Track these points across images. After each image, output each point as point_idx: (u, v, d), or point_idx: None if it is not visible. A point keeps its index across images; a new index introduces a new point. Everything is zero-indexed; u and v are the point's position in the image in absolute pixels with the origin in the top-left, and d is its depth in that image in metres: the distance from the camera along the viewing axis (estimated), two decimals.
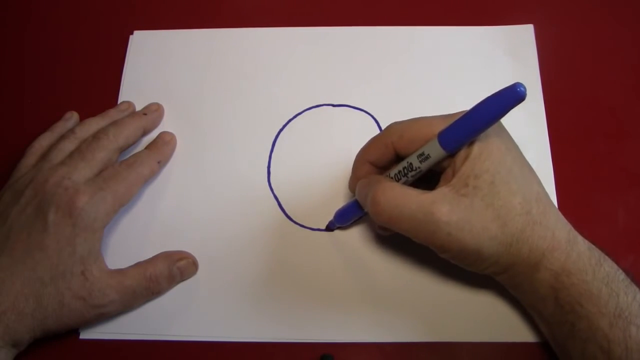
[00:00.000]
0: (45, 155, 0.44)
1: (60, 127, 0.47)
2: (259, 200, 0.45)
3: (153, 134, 0.48)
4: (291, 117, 0.48)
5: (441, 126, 0.36)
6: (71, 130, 0.45)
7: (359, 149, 0.40)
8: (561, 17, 0.52)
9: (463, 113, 0.35)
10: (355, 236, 0.44)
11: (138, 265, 0.42)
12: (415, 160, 0.37)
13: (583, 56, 0.50)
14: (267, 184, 0.46)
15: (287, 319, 0.41)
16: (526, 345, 0.40)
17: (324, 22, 0.52)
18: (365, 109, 0.48)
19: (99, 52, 0.52)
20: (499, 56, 0.50)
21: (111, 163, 0.44)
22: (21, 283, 0.38)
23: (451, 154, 0.35)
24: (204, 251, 0.43)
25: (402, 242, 0.43)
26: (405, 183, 0.38)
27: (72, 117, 0.48)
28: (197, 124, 0.48)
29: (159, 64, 0.51)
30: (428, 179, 0.38)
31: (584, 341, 0.34)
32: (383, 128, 0.40)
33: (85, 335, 0.41)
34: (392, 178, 0.38)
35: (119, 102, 0.49)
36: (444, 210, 0.34)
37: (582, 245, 0.36)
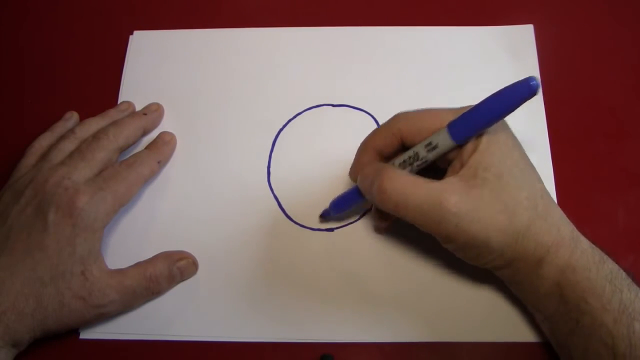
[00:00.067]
0: (45, 155, 0.44)
1: (60, 127, 0.47)
2: (259, 200, 0.45)
3: (153, 134, 0.48)
4: (291, 117, 0.48)
5: (450, 118, 0.36)
6: (71, 130, 0.45)
7: (364, 137, 0.40)
8: (561, 17, 0.52)
9: (472, 107, 0.35)
10: (356, 236, 0.44)
11: (138, 265, 0.42)
12: (422, 150, 0.37)
13: (583, 56, 0.50)
14: (267, 183, 0.46)
15: (287, 319, 0.41)
16: (526, 345, 0.40)
17: (324, 22, 0.52)
18: (365, 109, 0.48)
19: (98, 52, 0.52)
20: (499, 56, 0.50)
21: (111, 163, 0.44)
22: (21, 283, 0.38)
23: (459, 145, 0.36)
24: (204, 251, 0.43)
25: (402, 242, 0.43)
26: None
27: (72, 117, 0.48)
28: (197, 124, 0.48)
29: (159, 64, 0.51)
30: (429, 173, 0.38)
31: (587, 337, 0.34)
32: None
33: (85, 335, 0.41)
34: (397, 167, 0.38)
35: (119, 102, 0.49)
36: (453, 200, 0.34)
37: (585, 243, 0.36)
